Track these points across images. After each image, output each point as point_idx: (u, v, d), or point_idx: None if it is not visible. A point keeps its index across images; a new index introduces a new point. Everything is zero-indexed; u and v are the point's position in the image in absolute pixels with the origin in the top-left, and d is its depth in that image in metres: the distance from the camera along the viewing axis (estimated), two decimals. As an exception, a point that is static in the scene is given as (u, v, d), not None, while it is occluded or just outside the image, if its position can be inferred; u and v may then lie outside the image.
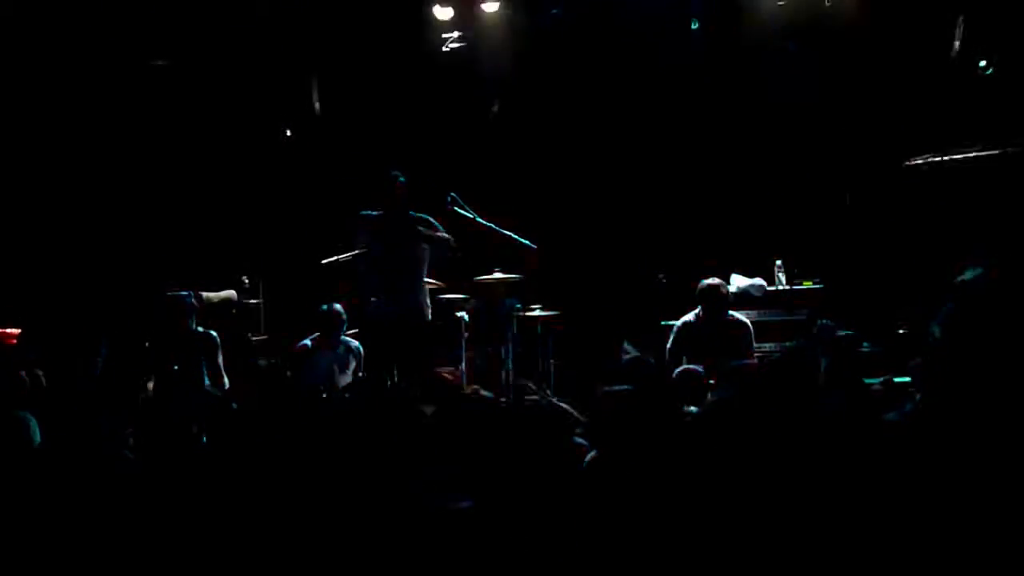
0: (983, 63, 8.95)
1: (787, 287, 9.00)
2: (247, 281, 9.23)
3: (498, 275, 8.68)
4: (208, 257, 9.41)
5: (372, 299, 7.85)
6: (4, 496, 4.19)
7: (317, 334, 8.19)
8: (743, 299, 8.76)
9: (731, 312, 7.96)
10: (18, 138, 9.25)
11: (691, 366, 6.60)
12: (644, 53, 9.71)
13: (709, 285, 7.87)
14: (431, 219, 7.92)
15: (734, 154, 9.88)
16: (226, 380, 7.89)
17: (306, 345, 8.18)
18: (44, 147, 9.33)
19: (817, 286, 9.00)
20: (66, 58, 9.17)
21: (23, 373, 6.48)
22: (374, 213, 7.87)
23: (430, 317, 8.06)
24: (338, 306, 8.17)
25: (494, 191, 8.98)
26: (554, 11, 9.63)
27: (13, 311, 8.43)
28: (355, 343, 8.23)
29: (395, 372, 7.70)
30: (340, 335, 8.19)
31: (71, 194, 9.47)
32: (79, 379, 6.88)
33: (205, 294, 8.50)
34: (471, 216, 8.29)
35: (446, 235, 7.93)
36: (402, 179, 7.85)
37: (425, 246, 7.90)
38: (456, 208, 8.29)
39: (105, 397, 6.58)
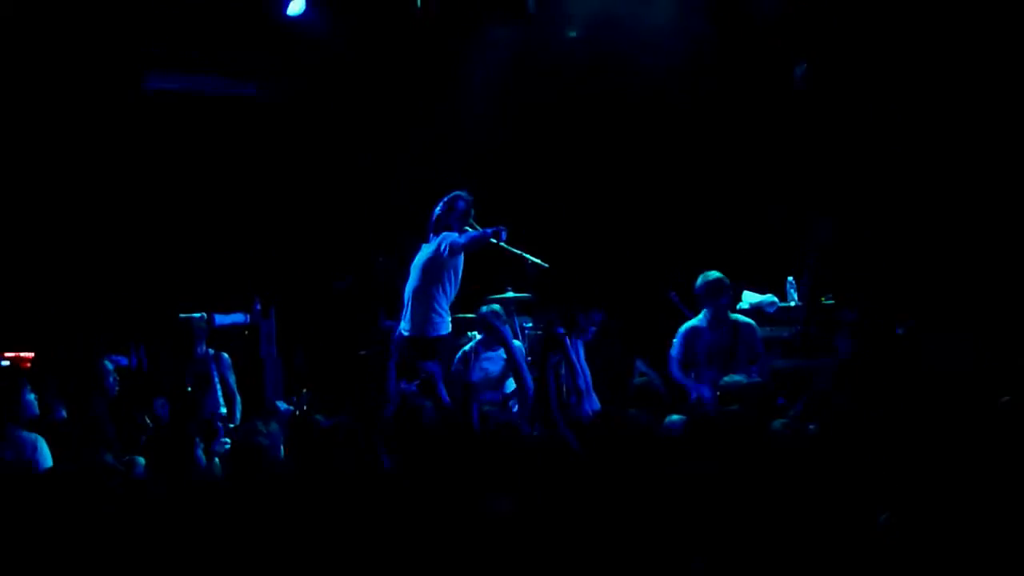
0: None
1: (799, 303, 8.98)
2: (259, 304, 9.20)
3: (510, 294, 8.71)
4: (219, 279, 9.44)
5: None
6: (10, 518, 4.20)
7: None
8: (755, 315, 8.74)
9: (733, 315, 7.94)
10: (30, 162, 9.32)
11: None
12: (650, 64, 9.73)
13: (716, 279, 7.76)
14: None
15: (746, 169, 9.86)
16: (238, 400, 7.93)
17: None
18: (55, 170, 9.39)
19: (829, 302, 8.96)
20: (76, 81, 9.24)
21: (36, 396, 6.50)
22: None
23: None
24: None
25: (504, 210, 8.98)
26: None
27: (27, 334, 8.48)
28: None
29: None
30: None
31: (83, 217, 9.52)
32: (89, 403, 6.88)
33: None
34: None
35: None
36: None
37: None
38: (466, 228, 8.32)
39: (115, 421, 6.61)
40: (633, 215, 10.05)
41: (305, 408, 7.76)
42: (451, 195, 7.78)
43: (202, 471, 4.70)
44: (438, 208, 7.74)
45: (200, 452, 4.76)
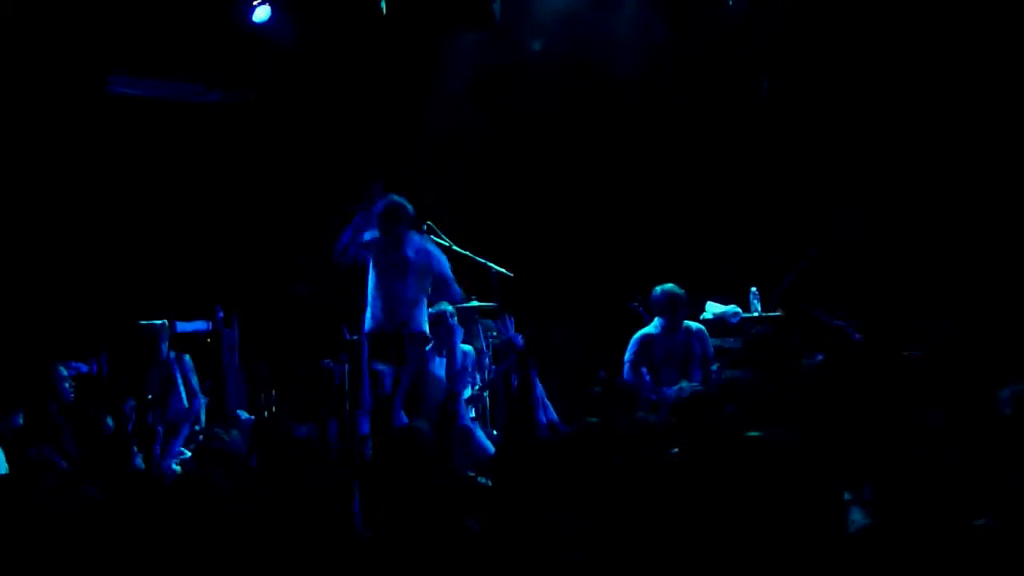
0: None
1: (762, 314, 9.02)
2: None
3: (475, 302, 8.69)
4: (181, 286, 9.35)
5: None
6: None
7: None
8: (718, 326, 8.78)
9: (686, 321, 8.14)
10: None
11: None
12: (618, 74, 9.78)
13: (672, 293, 7.97)
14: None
15: (710, 179, 9.92)
16: (200, 401, 7.88)
17: None
18: (13, 175, 9.27)
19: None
20: (38, 83, 9.14)
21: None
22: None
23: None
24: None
25: (468, 218, 9.01)
26: None
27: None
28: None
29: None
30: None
31: (41, 222, 9.41)
32: (48, 408, 6.80)
33: None
34: (446, 244, 8.32)
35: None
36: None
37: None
38: (431, 236, 8.32)
39: (74, 425, 6.53)
40: (599, 224, 10.08)
41: (273, 409, 7.69)
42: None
43: (141, 475, 4.66)
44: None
45: (139, 458, 4.71)
